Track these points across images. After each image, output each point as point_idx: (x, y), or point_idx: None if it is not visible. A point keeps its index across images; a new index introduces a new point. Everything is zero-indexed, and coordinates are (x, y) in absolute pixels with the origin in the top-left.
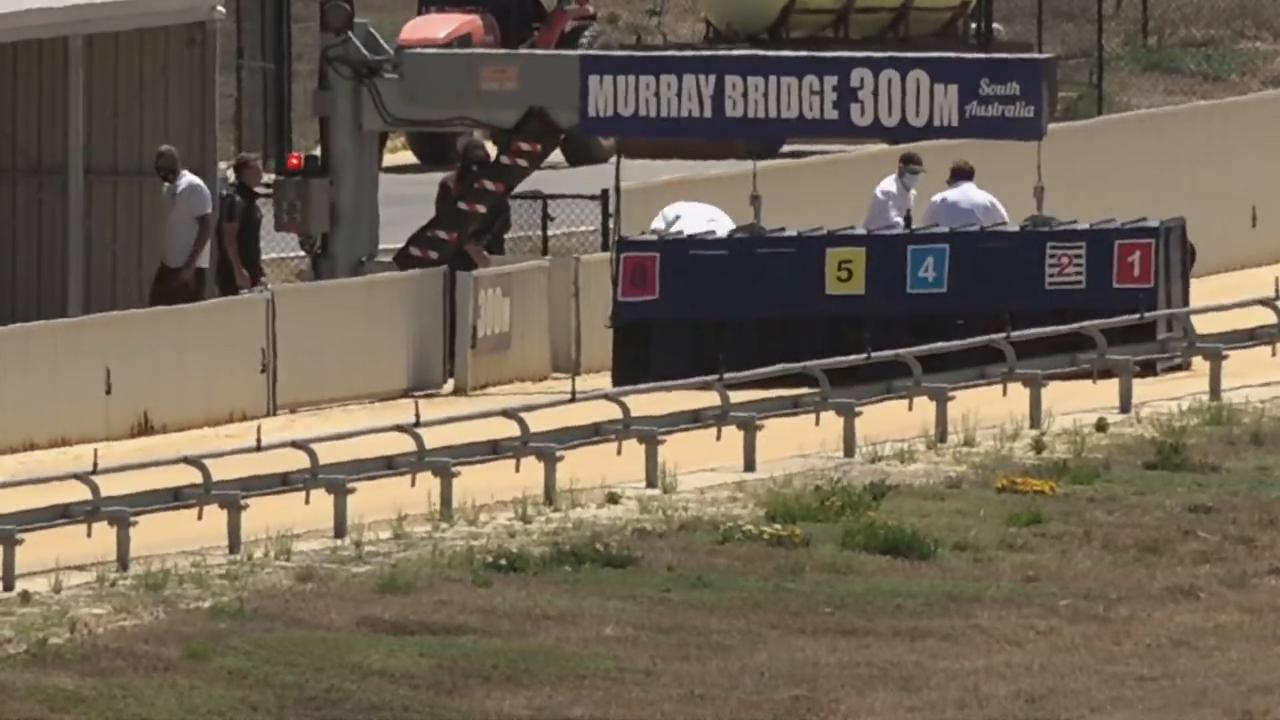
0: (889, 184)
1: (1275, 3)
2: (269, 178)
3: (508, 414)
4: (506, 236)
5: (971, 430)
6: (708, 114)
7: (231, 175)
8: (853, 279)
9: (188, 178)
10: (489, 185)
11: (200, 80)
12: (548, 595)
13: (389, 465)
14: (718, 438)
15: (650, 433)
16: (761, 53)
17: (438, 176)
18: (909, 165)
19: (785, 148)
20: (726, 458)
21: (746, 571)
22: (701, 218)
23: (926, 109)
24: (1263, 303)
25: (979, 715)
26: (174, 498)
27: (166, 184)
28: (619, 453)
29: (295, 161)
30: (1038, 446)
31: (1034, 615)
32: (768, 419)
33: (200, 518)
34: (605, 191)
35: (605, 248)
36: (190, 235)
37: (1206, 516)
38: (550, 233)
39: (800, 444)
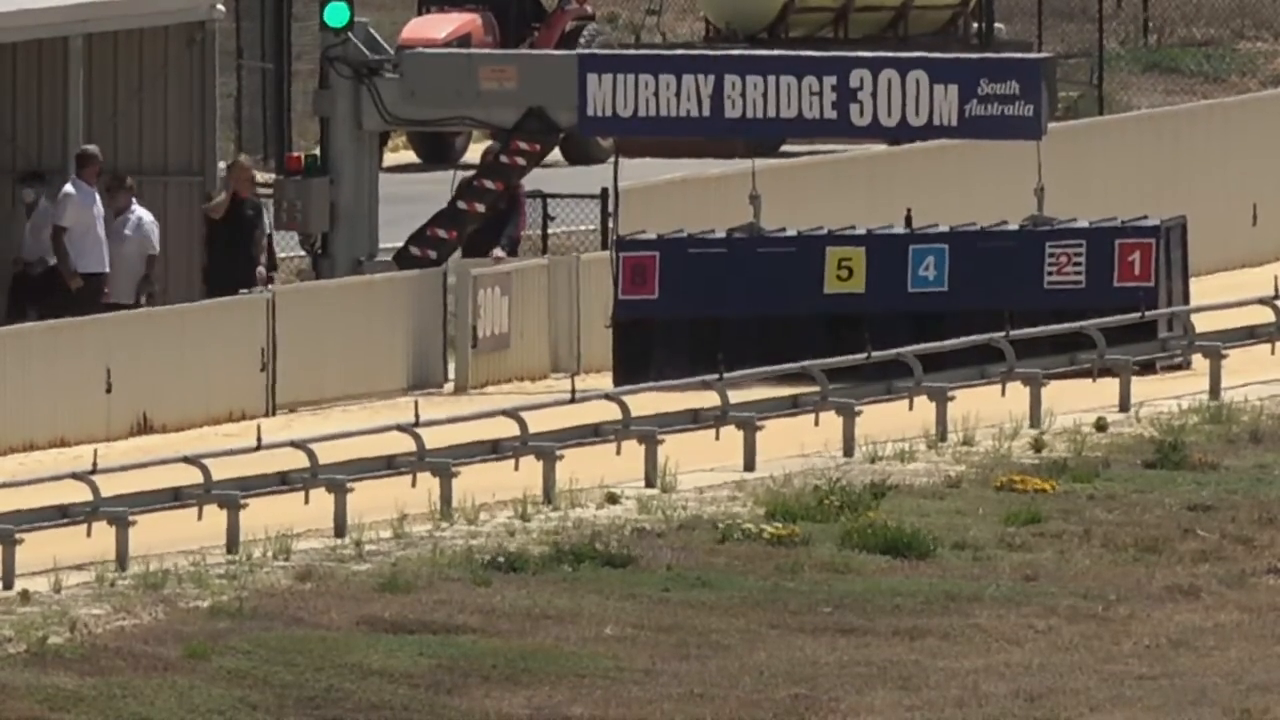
0: None
1: (1275, 3)
2: (266, 177)
3: (508, 414)
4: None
5: (971, 429)
6: (707, 114)
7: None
8: (853, 278)
9: None
10: (488, 184)
11: (200, 80)
12: (547, 595)
13: (389, 465)
14: (717, 437)
15: (650, 432)
16: (760, 52)
17: (438, 176)
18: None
19: (785, 147)
20: (726, 457)
21: (746, 571)
22: None
23: (926, 109)
24: (1262, 301)
25: (978, 714)
26: (173, 497)
27: None
28: (618, 452)
29: (295, 161)
30: (1037, 446)
31: (1033, 614)
32: (767, 419)
33: (200, 517)
34: (605, 191)
35: (605, 247)
36: None
37: (1206, 515)
38: (550, 232)
39: (800, 443)
